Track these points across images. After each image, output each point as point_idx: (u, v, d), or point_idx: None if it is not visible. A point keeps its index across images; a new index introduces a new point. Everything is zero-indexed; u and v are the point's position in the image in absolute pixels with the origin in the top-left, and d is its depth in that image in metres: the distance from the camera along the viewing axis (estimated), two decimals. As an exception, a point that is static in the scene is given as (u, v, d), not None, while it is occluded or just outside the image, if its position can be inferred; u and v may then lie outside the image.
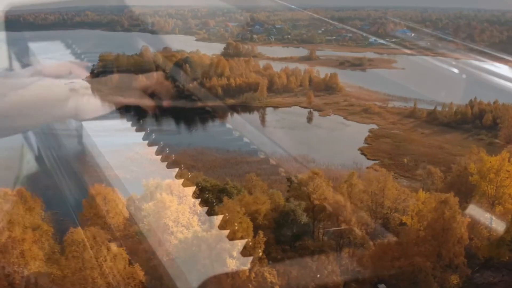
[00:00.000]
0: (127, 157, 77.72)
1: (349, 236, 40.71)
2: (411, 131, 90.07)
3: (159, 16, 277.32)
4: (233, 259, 34.35)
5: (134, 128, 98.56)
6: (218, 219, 35.13)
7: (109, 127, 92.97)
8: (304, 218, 39.22)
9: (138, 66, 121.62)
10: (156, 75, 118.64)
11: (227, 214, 34.60)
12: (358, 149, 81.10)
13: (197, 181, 44.10)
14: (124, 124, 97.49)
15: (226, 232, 34.69)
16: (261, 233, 35.79)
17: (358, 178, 46.78)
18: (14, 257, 34.20)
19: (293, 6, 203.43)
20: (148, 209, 41.90)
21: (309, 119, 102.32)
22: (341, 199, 40.73)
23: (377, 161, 75.80)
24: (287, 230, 38.73)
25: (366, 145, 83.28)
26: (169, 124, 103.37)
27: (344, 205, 40.72)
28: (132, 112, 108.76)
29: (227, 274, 34.39)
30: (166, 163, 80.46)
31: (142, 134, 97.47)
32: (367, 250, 41.39)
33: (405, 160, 73.73)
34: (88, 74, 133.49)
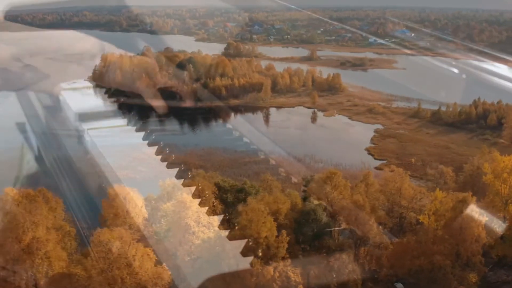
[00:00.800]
0: (134, 157, 77.92)
1: (368, 235, 40.98)
2: (416, 131, 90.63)
3: (157, 16, 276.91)
4: (258, 258, 34.67)
5: (140, 128, 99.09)
6: (242, 218, 35.37)
7: (114, 127, 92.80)
8: (324, 218, 39.50)
9: (141, 66, 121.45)
10: (159, 75, 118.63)
11: (251, 214, 34.82)
12: (365, 149, 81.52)
13: (215, 181, 44.27)
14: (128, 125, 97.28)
15: (250, 231, 34.98)
16: (284, 232, 36.13)
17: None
18: (38, 258, 34.33)
19: (293, 6, 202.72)
20: (166, 210, 42.16)
21: (314, 119, 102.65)
22: (360, 199, 41.01)
23: (384, 161, 76.21)
24: (308, 230, 38.99)
25: (372, 145, 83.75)
26: (174, 125, 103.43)
27: (362, 204, 41.03)
28: (134, 112, 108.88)
29: (251, 273, 34.66)
30: (174, 163, 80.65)
31: (147, 134, 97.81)
32: (385, 249, 41.81)
33: (413, 160, 74.18)
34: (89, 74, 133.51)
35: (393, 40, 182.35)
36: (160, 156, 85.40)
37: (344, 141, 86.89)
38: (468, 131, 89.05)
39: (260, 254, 34.50)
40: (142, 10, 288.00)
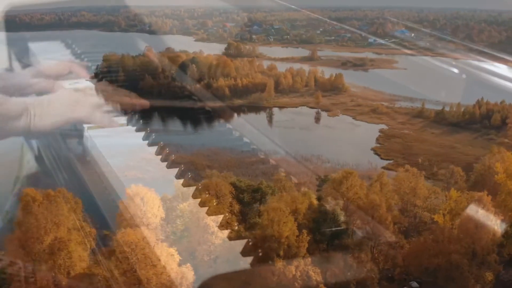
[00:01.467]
0: (142, 157, 77.85)
1: (384, 235, 41.28)
2: (421, 131, 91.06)
3: (155, 17, 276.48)
4: (280, 258, 34.88)
5: (143, 128, 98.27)
6: (264, 218, 35.56)
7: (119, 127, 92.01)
8: (342, 217, 39.77)
9: (145, 66, 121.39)
10: (162, 75, 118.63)
11: (273, 214, 35.00)
12: (371, 149, 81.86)
13: (231, 181, 44.45)
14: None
15: (272, 231, 35.19)
16: (305, 232, 36.38)
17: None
18: (60, 259, 34.39)
19: (293, 6, 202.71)
20: (183, 210, 42.30)
21: (319, 119, 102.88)
22: (376, 198, 41.31)
23: (391, 161, 76.63)
24: (326, 229, 39.25)
25: (378, 145, 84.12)
26: (178, 125, 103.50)
27: (379, 204, 41.31)
28: (137, 113, 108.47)
29: (273, 272, 34.89)
30: (182, 163, 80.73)
31: (153, 134, 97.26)
32: (401, 248, 42.19)
33: (420, 160, 74.49)
34: (91, 74, 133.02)
35: (393, 40, 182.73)
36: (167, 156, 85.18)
37: (349, 141, 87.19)
38: (472, 131, 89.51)
39: (281, 253, 34.64)
40: (140, 10, 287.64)
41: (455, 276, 38.62)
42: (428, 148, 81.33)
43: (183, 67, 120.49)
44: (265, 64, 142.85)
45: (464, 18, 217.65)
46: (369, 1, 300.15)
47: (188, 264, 32.92)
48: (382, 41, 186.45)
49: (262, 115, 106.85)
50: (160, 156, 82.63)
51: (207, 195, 40.10)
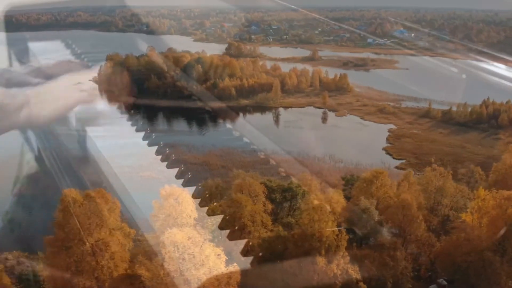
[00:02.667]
0: (154, 158, 77.88)
1: (416, 233, 41.85)
2: (430, 131, 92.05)
3: (152, 17, 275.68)
4: (322, 257, 35.24)
5: (153, 129, 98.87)
6: (305, 217, 35.87)
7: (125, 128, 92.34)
8: (376, 216, 40.26)
9: (149, 66, 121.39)
10: (168, 76, 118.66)
11: (314, 213, 35.30)
12: (383, 149, 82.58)
13: (261, 181, 44.73)
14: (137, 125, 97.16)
15: (313, 230, 35.51)
16: (343, 231, 36.77)
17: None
18: (104, 260, 34.47)
19: (293, 6, 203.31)
20: (214, 210, 42.48)
21: (326, 119, 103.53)
22: (408, 197, 41.83)
23: (403, 161, 77.39)
24: (362, 228, 39.71)
25: (389, 145, 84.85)
26: (186, 125, 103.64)
27: (410, 203, 41.83)
28: (142, 113, 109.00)
29: (314, 271, 35.23)
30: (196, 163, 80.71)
31: (162, 135, 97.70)
32: (432, 247, 42.74)
33: (432, 160, 75.23)
34: (93, 75, 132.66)
35: (392, 40, 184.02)
36: (179, 156, 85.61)
37: (360, 141, 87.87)
38: (480, 131, 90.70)
39: (323, 252, 35.02)
40: (136, 10, 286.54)
41: (487, 273, 39.20)
42: (438, 148, 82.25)
43: (188, 67, 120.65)
44: (267, 64, 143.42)
45: (461, 18, 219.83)
46: (366, 1, 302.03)
47: (235, 264, 33.18)
48: (381, 41, 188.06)
49: (269, 116, 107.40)
50: (172, 157, 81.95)
51: (241, 195, 40.33)
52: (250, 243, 38.45)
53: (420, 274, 43.68)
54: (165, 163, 78.11)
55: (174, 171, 76.66)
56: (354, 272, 36.13)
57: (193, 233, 33.00)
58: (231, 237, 39.09)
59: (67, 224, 34.80)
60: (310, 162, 77.09)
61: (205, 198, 46.97)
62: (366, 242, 40.45)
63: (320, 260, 34.71)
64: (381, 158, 78.46)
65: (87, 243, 34.19)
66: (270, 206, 41.81)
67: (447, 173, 46.75)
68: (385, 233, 40.91)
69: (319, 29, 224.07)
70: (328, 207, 36.02)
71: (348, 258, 36.62)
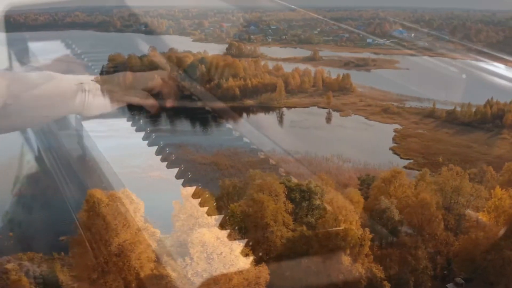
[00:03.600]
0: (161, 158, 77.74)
1: (435, 232, 42.25)
2: (435, 131, 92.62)
3: (150, 17, 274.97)
4: (347, 256, 35.56)
5: (159, 129, 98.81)
6: (329, 217, 36.18)
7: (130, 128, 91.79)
8: (397, 216, 40.61)
9: (153, 67, 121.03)
10: (172, 76, 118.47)
11: (339, 213, 35.63)
12: (390, 149, 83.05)
13: (281, 180, 44.97)
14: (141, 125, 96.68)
15: (338, 230, 35.83)
16: (367, 230, 37.11)
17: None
18: (132, 260, 34.59)
19: (292, 6, 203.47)
20: (234, 210, 42.73)
21: (330, 119, 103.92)
22: (427, 197, 42.23)
23: (411, 161, 77.89)
24: (383, 228, 40.04)
25: (395, 144, 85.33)
26: (192, 125, 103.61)
27: (429, 202, 42.24)
28: (145, 113, 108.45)
29: (339, 270, 35.55)
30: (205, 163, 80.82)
31: (169, 135, 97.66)
32: (450, 246, 43.23)
33: (440, 159, 75.84)
34: (95, 75, 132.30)
35: (392, 40, 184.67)
36: (187, 157, 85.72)
37: (366, 141, 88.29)
38: (485, 131, 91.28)
39: (348, 251, 35.34)
40: (134, 10, 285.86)
41: (507, 272, 39.70)
42: (445, 148, 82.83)
43: (192, 67, 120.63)
44: (269, 64, 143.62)
45: (459, 18, 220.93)
46: (363, 1, 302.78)
47: (263, 263, 33.41)
48: (381, 41, 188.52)
49: (274, 116, 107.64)
50: (181, 157, 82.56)
51: (263, 195, 40.55)
52: (274, 243, 38.81)
53: (436, 273, 44.14)
54: (174, 164, 78.01)
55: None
56: (378, 271, 36.49)
57: (222, 233, 33.18)
58: (254, 237, 39.37)
59: (93, 224, 34.91)
60: (318, 162, 77.50)
61: (222, 198, 47.28)
62: (387, 241, 40.80)
63: (346, 259, 35.01)
64: (388, 158, 78.93)
65: (114, 244, 34.29)
66: (290, 206, 42.05)
67: (464, 172, 47.20)
68: (406, 232, 41.30)
69: (318, 29, 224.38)
70: (352, 207, 36.32)
71: (372, 257, 37.00)
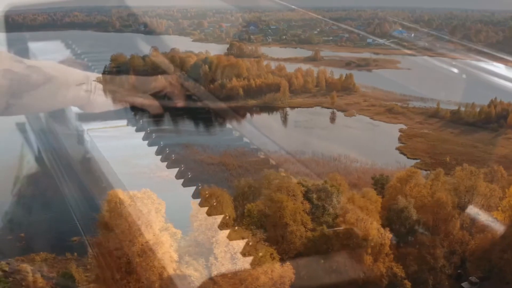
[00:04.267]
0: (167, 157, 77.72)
1: (452, 232, 42.53)
2: (440, 131, 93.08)
3: (149, 17, 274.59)
4: (369, 255, 35.79)
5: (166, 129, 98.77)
6: (350, 217, 36.37)
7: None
8: (415, 215, 40.88)
9: (156, 67, 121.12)
10: (176, 76, 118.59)
11: (360, 212, 35.87)
12: (396, 149, 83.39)
13: (297, 180, 45.18)
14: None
15: (359, 229, 36.05)
16: (387, 229, 37.36)
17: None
18: (156, 261, 34.64)
19: (292, 6, 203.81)
20: (251, 210, 42.88)
21: (334, 119, 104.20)
22: (443, 196, 42.51)
23: (418, 160, 78.25)
24: (401, 227, 40.32)
25: (401, 144, 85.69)
26: (197, 126, 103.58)
27: (445, 201, 42.53)
28: (148, 113, 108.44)
29: (361, 269, 35.77)
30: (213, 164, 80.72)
31: (175, 135, 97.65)
32: (466, 245, 43.50)
33: (447, 159, 76.23)
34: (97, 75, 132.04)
35: (392, 40, 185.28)
36: (195, 157, 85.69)
37: (372, 141, 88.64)
38: (489, 131, 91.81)
39: (369, 251, 35.56)
40: (132, 10, 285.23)
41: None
42: (451, 148, 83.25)
43: (195, 67, 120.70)
44: (271, 64, 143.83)
45: (458, 18, 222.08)
46: (361, 1, 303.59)
47: (288, 263, 33.56)
48: (381, 41, 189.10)
49: (279, 116, 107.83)
50: (190, 157, 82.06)
51: (281, 195, 40.72)
52: (293, 242, 39.00)
53: (450, 272, 44.39)
54: (183, 164, 78.24)
55: (193, 171, 76.94)
56: (399, 270, 36.76)
57: (247, 233, 33.38)
58: (273, 237, 39.54)
59: (116, 225, 34.96)
60: (326, 162, 77.70)
61: (237, 198, 47.35)
62: (405, 241, 41.07)
63: (367, 259, 35.24)
64: (395, 158, 79.28)
65: (138, 244, 34.33)
66: (308, 206, 42.22)
67: (478, 172, 47.50)
68: (423, 232, 41.58)
69: (318, 29, 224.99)
70: (373, 206, 36.56)
71: (392, 256, 37.25)
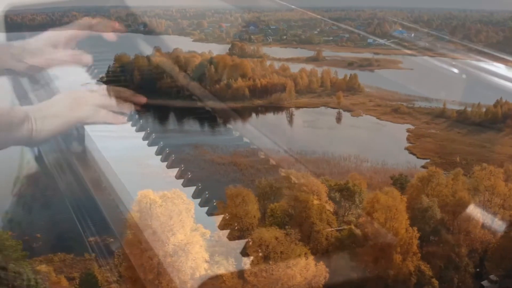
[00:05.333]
0: (181, 158, 77.93)
1: (473, 231, 43.01)
2: (447, 131, 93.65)
3: (148, 17, 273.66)
4: (398, 254, 36.17)
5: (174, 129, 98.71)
6: (379, 215, 36.74)
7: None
8: (439, 214, 41.33)
9: (161, 67, 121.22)
10: (181, 76, 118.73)
11: (389, 212, 36.24)
12: (405, 149, 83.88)
13: (321, 180, 45.55)
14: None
15: (388, 228, 36.44)
16: (415, 228, 37.77)
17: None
18: (188, 261, 34.87)
19: (292, 6, 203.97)
20: (274, 209, 43.22)
21: (340, 119, 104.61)
22: (465, 196, 42.99)
23: (428, 160, 78.73)
24: (425, 226, 40.74)
25: (410, 144, 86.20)
26: (203, 126, 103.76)
27: (468, 201, 43.02)
28: (157, 113, 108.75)
29: (390, 268, 36.15)
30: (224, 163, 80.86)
31: (184, 135, 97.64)
32: (487, 244, 44.06)
33: (458, 159, 76.79)
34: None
35: (392, 40, 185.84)
36: (204, 157, 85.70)
37: (381, 141, 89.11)
38: (496, 130, 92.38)
39: (399, 250, 35.94)
40: (131, 10, 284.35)
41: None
42: (460, 147, 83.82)
43: (200, 67, 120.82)
44: (274, 64, 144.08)
45: (458, 18, 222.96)
46: (360, 1, 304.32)
47: (322, 262, 33.87)
48: (381, 42, 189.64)
49: (286, 116, 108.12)
50: (199, 157, 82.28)
51: (307, 194, 41.06)
52: (320, 241, 39.32)
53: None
54: (192, 163, 78.59)
55: (204, 172, 77.11)
56: (426, 269, 37.18)
57: (280, 233, 33.66)
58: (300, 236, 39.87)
59: (147, 225, 35.16)
60: (336, 161, 78.07)
61: (259, 199, 47.57)
62: (429, 240, 41.52)
63: (397, 257, 35.62)
64: (405, 158, 79.77)
65: (170, 244, 34.56)
66: (332, 205, 42.65)
67: (498, 171, 48.05)
68: (446, 231, 42.04)
69: (318, 29, 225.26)
70: (401, 206, 36.96)
71: (419, 255, 37.67)
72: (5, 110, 4.71)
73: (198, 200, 42.73)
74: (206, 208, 47.30)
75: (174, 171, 54.49)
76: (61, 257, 54.19)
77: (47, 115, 4.97)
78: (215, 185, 68.09)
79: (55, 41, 6.18)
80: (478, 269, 46.34)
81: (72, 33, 6.57)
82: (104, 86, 5.65)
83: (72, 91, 5.49)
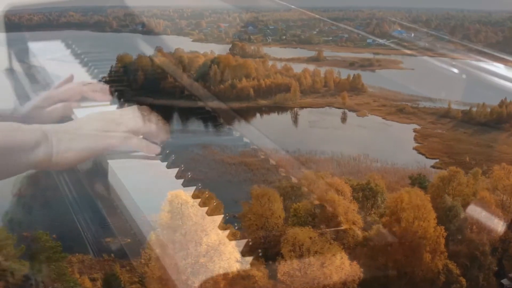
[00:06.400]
0: (191, 158, 78.08)
1: (496, 230, 43.55)
2: (453, 131, 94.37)
3: (145, 17, 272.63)
4: (427, 253, 36.60)
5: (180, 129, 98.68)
6: (408, 215, 37.17)
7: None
8: (462, 213, 41.84)
9: (165, 67, 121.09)
10: (185, 76, 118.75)
11: (417, 211, 36.66)
12: (414, 149, 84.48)
13: (344, 179, 45.91)
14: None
15: (416, 228, 36.86)
16: (443, 227, 38.23)
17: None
18: (224, 261, 34.97)
19: (292, 6, 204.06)
20: (297, 209, 43.53)
21: (345, 119, 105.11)
22: (487, 195, 43.52)
23: (437, 160, 79.39)
24: (450, 225, 41.22)
25: (418, 144, 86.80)
26: (208, 126, 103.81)
27: (489, 200, 43.56)
28: (162, 114, 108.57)
29: (419, 267, 36.59)
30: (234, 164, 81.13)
31: (191, 135, 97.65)
32: (510, 243, 44.64)
33: (467, 159, 77.41)
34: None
35: (392, 40, 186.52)
36: (213, 157, 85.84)
37: (388, 141, 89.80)
38: (502, 130, 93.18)
39: (428, 249, 36.35)
40: (128, 10, 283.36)
41: None
42: (467, 147, 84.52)
43: (204, 68, 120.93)
44: (275, 64, 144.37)
45: (456, 18, 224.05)
46: (357, 1, 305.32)
47: (355, 262, 34.21)
48: (381, 42, 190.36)
49: (292, 116, 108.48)
50: (209, 157, 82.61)
51: (333, 194, 41.39)
52: (347, 241, 39.67)
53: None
54: (202, 164, 78.67)
55: (216, 172, 77.06)
56: (454, 267, 37.66)
57: (313, 233, 33.98)
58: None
59: (179, 225, 35.30)
60: (346, 161, 78.50)
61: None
62: (454, 239, 42.01)
63: (426, 256, 36.05)
64: (413, 158, 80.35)
65: (203, 244, 34.68)
66: (357, 205, 43.04)
67: (516, 171, 48.65)
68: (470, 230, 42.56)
69: (317, 29, 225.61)
70: (430, 205, 37.40)
71: (446, 253, 38.13)
72: (15, 126, 4.04)
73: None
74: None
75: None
76: (79, 258, 54.08)
77: (73, 137, 4.34)
78: (227, 186, 68.30)
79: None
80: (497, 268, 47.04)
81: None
82: (135, 107, 4.93)
83: (103, 111, 4.92)
